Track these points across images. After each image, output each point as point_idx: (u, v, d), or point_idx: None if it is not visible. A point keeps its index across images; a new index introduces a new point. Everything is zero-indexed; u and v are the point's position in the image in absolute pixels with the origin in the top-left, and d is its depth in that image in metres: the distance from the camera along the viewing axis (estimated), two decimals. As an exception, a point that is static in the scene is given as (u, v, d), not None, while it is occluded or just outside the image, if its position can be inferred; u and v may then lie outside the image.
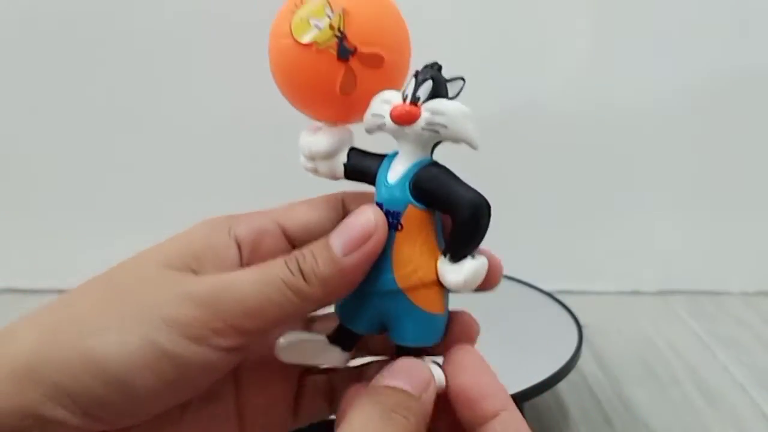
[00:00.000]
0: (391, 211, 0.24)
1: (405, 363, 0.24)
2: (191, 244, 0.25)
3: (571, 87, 0.67)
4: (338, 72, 0.25)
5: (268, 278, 0.23)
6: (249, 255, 0.25)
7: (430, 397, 0.23)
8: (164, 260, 0.24)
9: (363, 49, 0.24)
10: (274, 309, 0.23)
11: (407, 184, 0.24)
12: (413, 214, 0.24)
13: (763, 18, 0.66)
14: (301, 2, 0.25)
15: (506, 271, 0.56)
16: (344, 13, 0.24)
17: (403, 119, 0.24)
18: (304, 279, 0.23)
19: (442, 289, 0.25)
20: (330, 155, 0.26)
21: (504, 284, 0.54)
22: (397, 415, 0.22)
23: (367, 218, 0.24)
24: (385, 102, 0.24)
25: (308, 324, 0.29)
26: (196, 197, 0.69)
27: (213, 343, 0.22)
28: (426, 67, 0.25)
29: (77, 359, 0.21)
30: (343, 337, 0.26)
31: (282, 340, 0.26)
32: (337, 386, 0.29)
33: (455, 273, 0.24)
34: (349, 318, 0.26)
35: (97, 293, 0.24)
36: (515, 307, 0.52)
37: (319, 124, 0.27)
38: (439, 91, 0.24)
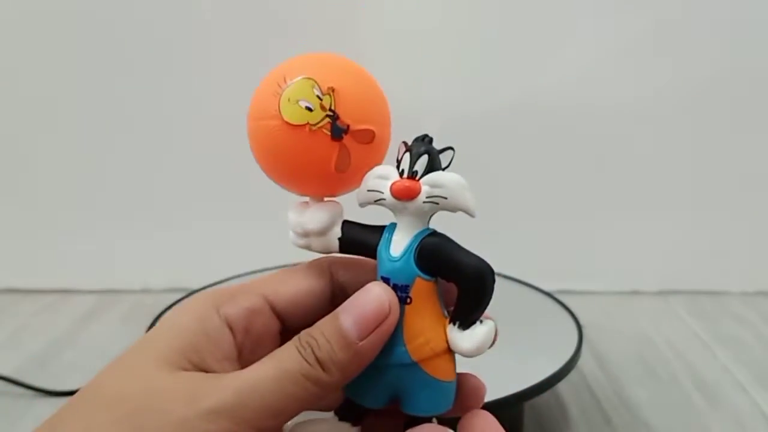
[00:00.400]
0: (399, 285, 0.24)
1: (430, 428, 0.24)
2: (185, 334, 0.24)
3: (570, 86, 0.67)
4: (333, 151, 0.25)
5: (287, 374, 0.22)
6: (242, 337, 0.25)
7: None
8: (165, 359, 0.23)
9: (355, 126, 0.25)
10: (296, 404, 0.23)
11: (412, 256, 0.24)
12: (421, 286, 0.24)
13: (762, 18, 0.66)
14: (284, 82, 0.25)
15: (506, 271, 0.56)
16: (334, 92, 0.24)
17: (405, 195, 0.24)
18: (323, 368, 0.23)
19: (452, 355, 0.25)
20: (325, 232, 0.26)
21: (504, 284, 0.55)
22: None
23: (379, 298, 0.23)
24: (382, 178, 0.25)
25: None
26: (196, 198, 0.69)
27: None
28: (417, 140, 0.25)
29: None
30: (352, 413, 0.26)
31: (292, 426, 0.25)
32: None
33: (468, 341, 0.24)
34: (360, 394, 0.26)
35: (107, 411, 0.22)
36: (515, 307, 0.52)
37: (305, 198, 0.27)
38: (434, 164, 0.24)
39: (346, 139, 0.25)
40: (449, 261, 0.24)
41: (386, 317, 0.23)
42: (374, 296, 0.23)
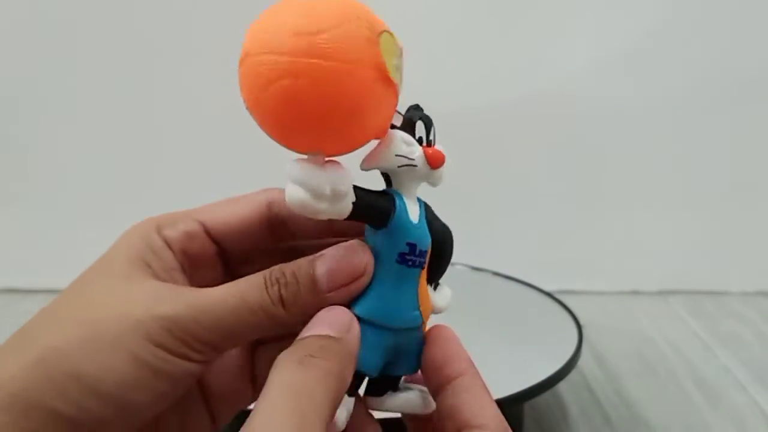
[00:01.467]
0: (423, 250, 0.25)
1: (325, 312, 0.24)
2: (135, 249, 0.25)
3: (571, 85, 0.67)
4: (393, 113, 0.24)
5: (246, 304, 0.23)
6: (181, 257, 0.26)
7: (353, 337, 0.24)
8: (125, 272, 0.25)
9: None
10: (250, 332, 0.24)
11: (425, 222, 0.25)
12: (429, 250, 0.25)
13: (761, 18, 0.67)
14: (373, 30, 0.22)
15: (507, 271, 0.56)
16: (401, 54, 0.23)
17: (441, 163, 0.25)
18: (283, 306, 0.23)
19: None
20: (348, 194, 0.23)
21: (504, 284, 0.55)
22: (315, 358, 0.22)
23: (358, 258, 0.24)
24: (408, 144, 0.24)
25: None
26: (198, 199, 0.69)
27: (194, 358, 0.23)
28: (415, 109, 0.25)
29: (73, 386, 0.22)
30: (353, 385, 0.25)
31: None
32: None
33: (442, 299, 0.27)
34: (365, 363, 0.25)
35: (73, 317, 0.24)
36: (515, 307, 0.52)
37: (301, 156, 0.23)
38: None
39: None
40: (439, 225, 0.26)
41: (360, 277, 0.24)
42: (354, 254, 0.24)
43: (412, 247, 0.25)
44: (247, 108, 0.23)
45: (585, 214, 0.70)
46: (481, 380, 0.24)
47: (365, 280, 0.24)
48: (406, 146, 0.24)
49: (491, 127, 0.68)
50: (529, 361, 0.43)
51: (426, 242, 0.25)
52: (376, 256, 0.25)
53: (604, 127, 0.69)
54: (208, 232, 0.27)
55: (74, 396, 0.22)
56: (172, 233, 0.26)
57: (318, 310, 0.24)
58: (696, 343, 0.61)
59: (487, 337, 0.45)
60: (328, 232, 0.28)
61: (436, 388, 0.25)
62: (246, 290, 0.24)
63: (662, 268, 0.72)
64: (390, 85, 0.22)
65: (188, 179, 0.69)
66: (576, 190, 0.70)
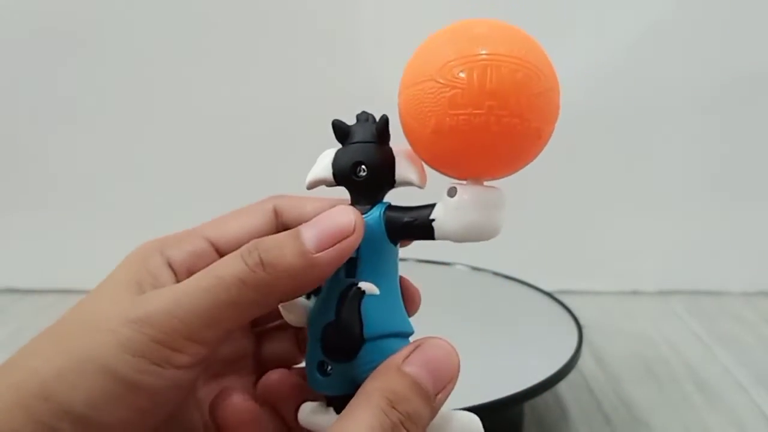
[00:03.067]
0: None
1: (441, 348, 0.22)
2: (130, 269, 0.24)
3: (571, 85, 0.67)
4: None
5: (221, 281, 0.21)
6: (184, 279, 0.25)
7: (444, 398, 0.22)
8: (113, 292, 0.23)
9: None
10: (232, 312, 0.22)
11: None
12: None
13: (760, 19, 0.66)
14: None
15: (507, 271, 0.56)
16: None
17: None
18: (265, 270, 0.21)
19: None
20: None
21: (504, 284, 0.55)
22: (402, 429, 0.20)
23: (347, 217, 0.22)
24: None
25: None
26: (197, 198, 0.69)
27: (176, 363, 0.21)
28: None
29: (43, 408, 0.21)
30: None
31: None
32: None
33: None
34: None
35: (54, 337, 0.23)
36: (515, 307, 0.52)
37: (462, 182, 0.26)
38: None
39: None
40: None
41: (349, 235, 0.22)
42: (342, 215, 0.22)
43: None
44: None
45: (585, 214, 0.70)
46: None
47: (355, 239, 0.22)
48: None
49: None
50: (529, 361, 0.43)
51: None
52: (393, 274, 0.24)
53: (604, 127, 0.69)
54: (217, 249, 0.26)
55: (45, 419, 0.20)
56: (177, 254, 0.25)
57: (309, 279, 0.22)
58: (696, 343, 0.61)
59: (487, 337, 0.45)
60: None
61: None
62: (218, 268, 0.22)
63: (662, 268, 0.72)
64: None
65: (189, 183, 0.69)
66: (576, 190, 0.70)
